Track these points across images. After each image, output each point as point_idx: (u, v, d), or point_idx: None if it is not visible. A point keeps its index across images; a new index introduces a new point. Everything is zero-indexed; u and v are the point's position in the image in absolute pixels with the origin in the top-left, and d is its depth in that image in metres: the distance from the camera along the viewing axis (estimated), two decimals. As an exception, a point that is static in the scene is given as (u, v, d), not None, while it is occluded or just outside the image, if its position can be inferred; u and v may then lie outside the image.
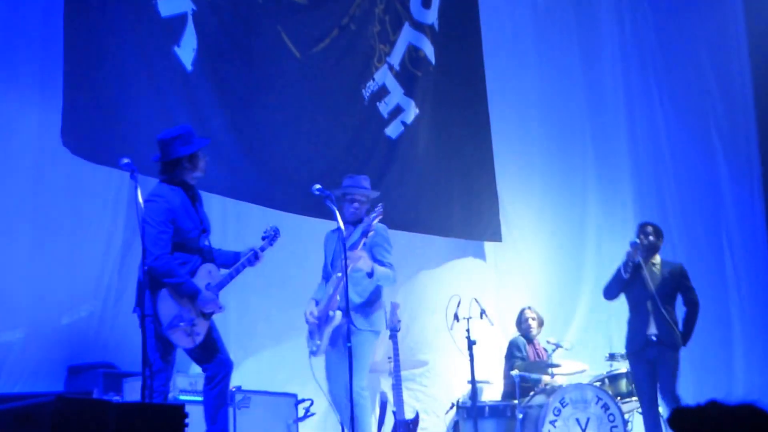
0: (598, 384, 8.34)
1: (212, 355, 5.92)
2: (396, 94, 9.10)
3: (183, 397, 6.65)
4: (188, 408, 4.45)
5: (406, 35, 9.26)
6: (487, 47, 9.86)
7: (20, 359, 7.15)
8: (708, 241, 10.86)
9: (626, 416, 8.18)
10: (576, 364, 8.60)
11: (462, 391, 8.44)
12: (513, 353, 8.71)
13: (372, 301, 7.10)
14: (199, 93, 7.78)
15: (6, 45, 7.28)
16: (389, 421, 7.49)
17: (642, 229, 8.04)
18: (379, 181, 8.33)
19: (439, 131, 9.44)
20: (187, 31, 7.71)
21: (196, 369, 6.31)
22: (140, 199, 5.62)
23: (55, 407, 3.85)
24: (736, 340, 10.63)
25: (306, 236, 7.79)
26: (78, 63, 7.08)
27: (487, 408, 8.19)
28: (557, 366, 8.32)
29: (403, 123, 9.13)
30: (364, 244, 6.94)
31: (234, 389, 6.76)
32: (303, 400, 7.39)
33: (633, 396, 8.21)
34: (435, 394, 8.95)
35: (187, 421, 4.28)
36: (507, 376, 8.63)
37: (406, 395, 7.56)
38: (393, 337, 7.38)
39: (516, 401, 8.09)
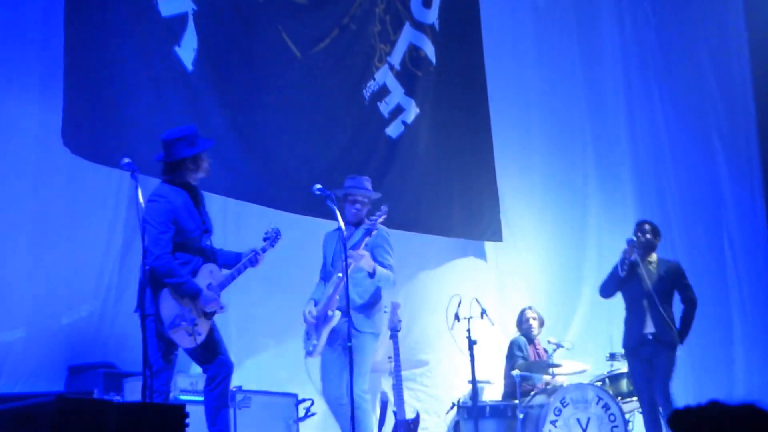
0: (598, 384, 8.34)
1: (213, 356, 5.92)
2: (396, 94, 9.10)
3: (183, 397, 6.65)
4: (189, 408, 4.45)
5: (407, 35, 9.26)
6: (487, 47, 9.86)
7: (20, 359, 7.15)
8: (708, 241, 10.87)
9: (627, 416, 8.18)
10: (577, 364, 8.60)
11: (463, 391, 8.44)
12: (514, 352, 8.71)
13: (372, 303, 7.09)
14: (200, 93, 7.78)
15: (6, 45, 7.27)
16: (390, 420, 7.49)
17: (639, 227, 8.04)
18: (380, 180, 8.33)
19: (440, 131, 9.44)
20: (187, 31, 7.70)
21: (196, 369, 6.30)
22: (141, 199, 5.62)
23: (56, 407, 3.86)
24: (736, 340, 10.63)
25: (306, 236, 7.79)
26: (78, 63, 7.08)
27: (487, 408, 8.19)
28: (558, 366, 8.32)
29: (404, 123, 9.13)
30: (366, 244, 6.94)
31: (234, 389, 6.76)
32: (303, 400, 7.39)
33: (634, 396, 8.21)
34: (436, 394, 8.94)
35: (187, 421, 4.28)
36: (508, 376, 8.63)
37: (406, 395, 7.56)
38: (393, 336, 7.38)
39: (517, 401, 8.09)
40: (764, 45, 11.25)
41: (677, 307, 7.98)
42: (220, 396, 5.90)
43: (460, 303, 8.07)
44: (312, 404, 7.36)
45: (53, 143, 6.97)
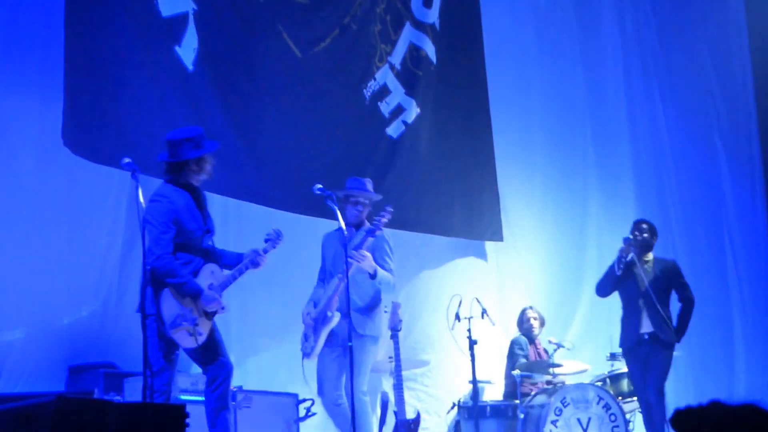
0: (599, 384, 8.33)
1: (214, 357, 5.91)
2: (397, 94, 9.09)
3: (184, 397, 6.64)
4: (189, 408, 4.45)
5: (408, 34, 9.25)
6: (488, 47, 9.86)
7: (21, 359, 7.14)
8: (709, 241, 10.87)
9: (628, 416, 8.18)
10: (577, 364, 8.60)
11: (463, 391, 8.44)
12: (515, 351, 8.71)
13: (373, 306, 7.09)
14: (200, 93, 7.77)
15: (7, 45, 7.27)
16: (390, 420, 7.49)
17: (637, 225, 8.05)
18: (381, 180, 8.33)
19: (440, 131, 9.43)
20: (188, 30, 7.70)
21: (197, 368, 6.29)
22: (141, 199, 5.61)
23: (56, 407, 3.86)
24: (737, 340, 10.64)
25: (307, 236, 7.78)
26: (79, 63, 7.07)
27: (488, 408, 8.19)
28: (559, 366, 8.32)
29: (405, 122, 9.13)
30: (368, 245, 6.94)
31: (235, 389, 6.76)
32: (304, 400, 7.39)
33: (634, 396, 8.20)
34: (436, 394, 8.94)
35: (187, 421, 4.27)
36: (508, 376, 8.63)
37: (407, 395, 7.55)
38: (394, 336, 7.37)
39: (517, 401, 8.09)
40: (765, 45, 11.26)
41: (675, 306, 7.97)
42: (220, 397, 5.89)
43: (460, 303, 8.06)
44: (312, 404, 7.35)
45: (53, 143, 6.96)
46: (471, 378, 7.84)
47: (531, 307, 9.02)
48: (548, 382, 8.38)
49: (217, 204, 7.56)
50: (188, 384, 6.81)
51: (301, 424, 7.36)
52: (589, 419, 7.90)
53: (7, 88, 7.23)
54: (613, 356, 8.62)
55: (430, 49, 9.40)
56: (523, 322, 8.95)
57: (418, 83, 9.28)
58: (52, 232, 7.32)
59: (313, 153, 8.37)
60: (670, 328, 7.77)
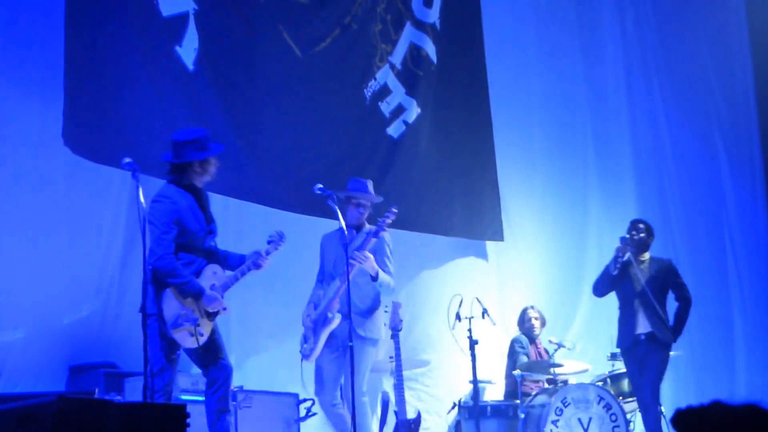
0: (600, 383, 8.33)
1: (214, 359, 5.90)
2: (398, 94, 9.09)
3: (184, 397, 6.64)
4: (190, 408, 4.45)
5: (408, 34, 9.25)
6: (488, 46, 9.86)
7: (21, 359, 7.14)
8: (710, 241, 10.86)
9: (628, 416, 8.17)
10: (578, 364, 8.60)
11: (464, 391, 8.44)
12: (515, 349, 8.72)
13: (373, 308, 7.08)
14: (201, 93, 7.77)
15: (7, 44, 7.26)
16: (391, 420, 7.49)
17: (634, 225, 8.04)
18: (381, 180, 8.33)
19: (441, 130, 9.43)
20: (188, 30, 7.69)
21: (197, 369, 6.29)
22: (142, 199, 5.61)
23: (57, 407, 3.86)
24: (738, 340, 10.63)
25: (307, 236, 7.78)
26: (79, 62, 7.07)
27: (489, 408, 8.19)
28: (559, 365, 8.31)
29: (405, 122, 9.12)
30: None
31: (236, 389, 6.76)
32: (304, 400, 7.39)
33: (635, 395, 8.20)
34: (437, 394, 8.94)
35: (188, 420, 4.27)
36: (509, 376, 8.63)
37: (407, 395, 7.55)
38: (395, 336, 7.36)
39: (518, 401, 8.08)
40: (765, 44, 11.25)
41: (672, 305, 7.96)
42: (220, 400, 5.88)
43: (461, 303, 8.06)
44: (313, 404, 7.35)
45: (53, 143, 6.96)
46: (471, 378, 7.84)
47: (532, 307, 9.02)
48: (549, 382, 8.38)
49: (217, 204, 7.56)
50: (189, 384, 6.81)
51: (301, 424, 7.36)
52: (590, 419, 7.89)
53: (7, 88, 7.23)
54: (613, 356, 8.62)
55: (430, 49, 9.39)
56: (524, 322, 8.95)
57: (418, 83, 9.27)
58: (52, 232, 7.32)
59: (313, 153, 8.37)
60: (667, 328, 7.76)
